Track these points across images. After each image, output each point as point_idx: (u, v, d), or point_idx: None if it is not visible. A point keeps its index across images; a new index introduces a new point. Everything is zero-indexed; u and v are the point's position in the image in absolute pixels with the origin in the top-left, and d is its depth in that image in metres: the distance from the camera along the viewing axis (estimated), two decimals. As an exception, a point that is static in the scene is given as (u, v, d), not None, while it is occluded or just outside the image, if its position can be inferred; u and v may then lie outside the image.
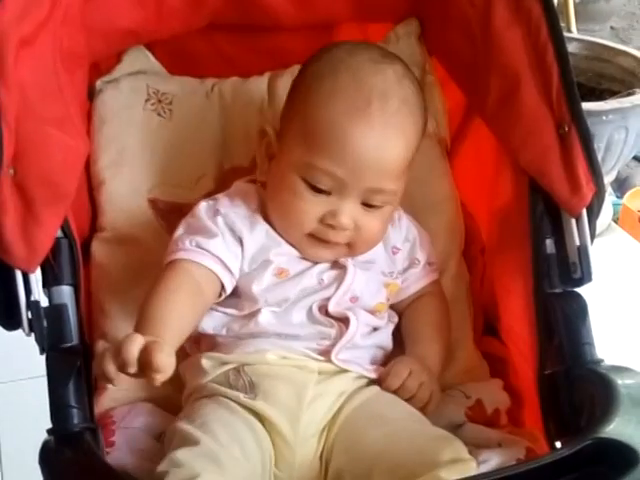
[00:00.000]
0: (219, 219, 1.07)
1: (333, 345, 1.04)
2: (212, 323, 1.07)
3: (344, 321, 1.06)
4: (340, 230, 1.05)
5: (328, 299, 1.07)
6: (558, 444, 0.99)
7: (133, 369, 0.85)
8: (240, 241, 1.07)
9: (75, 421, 0.89)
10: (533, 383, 1.04)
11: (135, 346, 0.85)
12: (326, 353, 1.04)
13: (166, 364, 0.85)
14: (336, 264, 1.10)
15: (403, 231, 1.17)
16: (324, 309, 1.07)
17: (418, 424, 1.00)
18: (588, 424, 0.88)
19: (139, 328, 0.94)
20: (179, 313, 1.00)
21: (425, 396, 1.05)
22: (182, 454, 0.88)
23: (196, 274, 1.03)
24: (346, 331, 1.05)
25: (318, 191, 1.04)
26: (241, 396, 0.99)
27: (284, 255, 1.08)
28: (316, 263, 1.09)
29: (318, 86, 1.06)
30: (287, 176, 1.06)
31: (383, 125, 1.03)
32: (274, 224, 1.09)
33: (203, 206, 1.09)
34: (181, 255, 1.04)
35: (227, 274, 1.05)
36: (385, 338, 1.12)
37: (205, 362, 1.03)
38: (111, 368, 0.86)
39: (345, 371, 1.04)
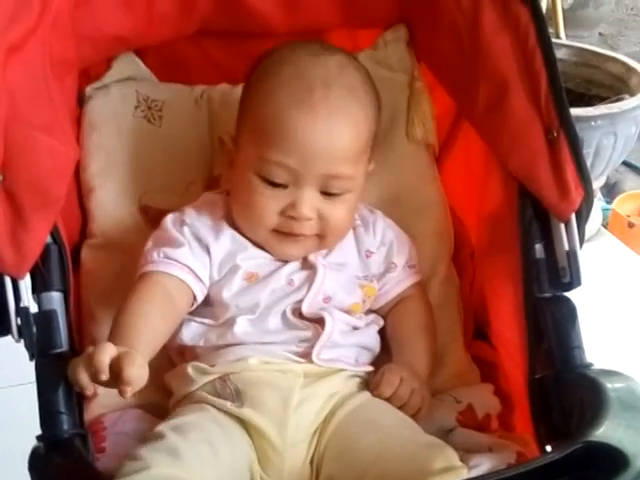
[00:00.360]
0: (185, 229, 1.09)
1: (312, 346, 1.04)
2: (189, 334, 1.07)
3: (319, 322, 1.06)
4: (303, 221, 1.06)
5: (301, 301, 1.07)
6: (549, 448, 0.99)
7: (105, 376, 0.86)
8: (207, 249, 1.08)
9: (65, 427, 0.89)
10: (523, 387, 1.04)
11: (106, 355, 0.87)
12: (307, 355, 1.04)
13: (137, 377, 0.87)
14: (306, 265, 1.10)
15: (378, 235, 1.17)
16: (298, 312, 1.07)
17: (410, 431, 1.00)
18: (578, 428, 0.88)
19: (112, 340, 0.95)
20: (151, 324, 1.01)
21: (417, 403, 1.05)
22: (143, 448, 0.89)
23: (167, 285, 1.05)
24: (322, 331, 1.05)
25: (275, 185, 1.05)
26: (228, 404, 0.99)
27: (252, 259, 1.09)
28: (286, 263, 1.10)
29: (262, 84, 1.08)
30: (244, 176, 1.07)
31: (327, 112, 1.04)
32: (241, 228, 1.10)
33: (170, 218, 1.11)
34: (150, 267, 1.06)
35: (197, 283, 1.07)
36: (368, 339, 1.12)
37: (191, 371, 1.04)
38: (83, 377, 0.87)
39: (333, 372, 1.04)
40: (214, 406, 1.00)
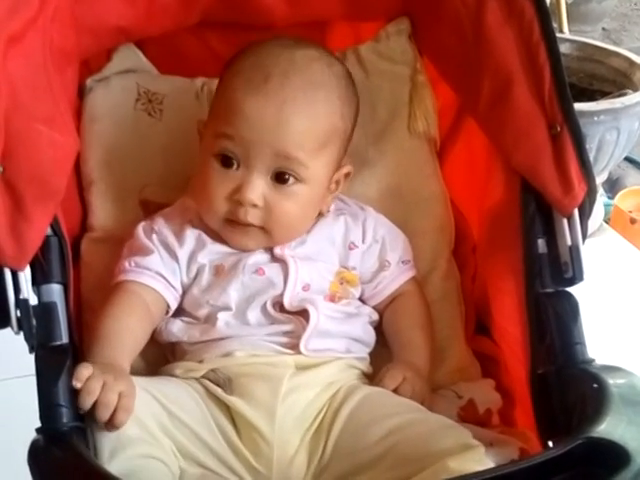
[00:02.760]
0: (154, 236, 1.11)
1: (299, 337, 1.04)
2: (173, 330, 1.08)
3: (303, 314, 1.06)
4: (248, 207, 1.06)
5: (281, 296, 1.07)
6: (550, 444, 0.99)
7: (106, 417, 0.90)
8: (175, 255, 1.10)
9: (64, 420, 0.88)
10: (525, 383, 1.04)
11: (115, 396, 0.91)
12: (295, 346, 1.04)
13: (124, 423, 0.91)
14: (275, 258, 1.10)
15: (369, 232, 1.16)
16: (279, 305, 1.07)
17: (420, 413, 1.00)
18: (579, 424, 0.87)
19: (96, 350, 0.99)
20: (134, 337, 1.05)
21: (418, 402, 1.04)
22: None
23: (142, 294, 1.07)
24: (307, 324, 1.04)
25: (226, 165, 1.06)
26: (219, 391, 1.00)
27: (213, 254, 1.10)
28: (250, 252, 1.10)
29: (226, 74, 1.11)
30: (203, 166, 1.09)
31: (281, 100, 1.04)
32: (203, 218, 1.11)
33: (141, 226, 1.12)
34: (123, 277, 1.08)
35: (169, 290, 1.09)
36: (358, 330, 1.11)
37: (180, 372, 1.04)
38: (87, 399, 0.90)
39: (326, 362, 1.04)
40: (206, 388, 1.01)
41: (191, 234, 1.11)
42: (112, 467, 0.87)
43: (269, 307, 1.06)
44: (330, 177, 1.12)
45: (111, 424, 0.90)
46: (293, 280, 1.08)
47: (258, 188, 1.05)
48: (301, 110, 1.05)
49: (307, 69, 1.08)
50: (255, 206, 1.06)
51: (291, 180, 1.06)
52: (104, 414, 0.90)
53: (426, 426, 0.96)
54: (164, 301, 1.08)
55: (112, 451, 0.90)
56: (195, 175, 1.11)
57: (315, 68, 1.09)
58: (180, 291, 1.10)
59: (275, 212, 1.06)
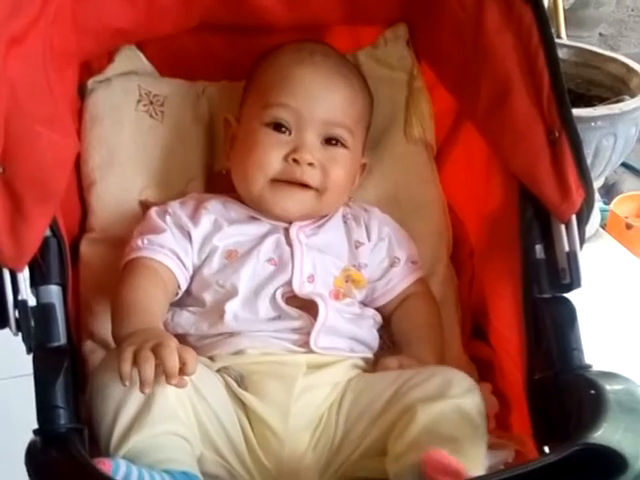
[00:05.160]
0: (167, 217, 1.13)
1: (308, 333, 1.05)
2: (180, 321, 1.08)
3: (311, 310, 1.06)
4: (305, 166, 1.10)
5: (289, 283, 1.08)
6: (546, 449, 0.99)
7: (175, 381, 0.89)
8: (188, 235, 1.11)
9: (62, 421, 0.88)
10: (521, 388, 1.04)
11: (175, 356, 0.89)
12: (305, 343, 1.05)
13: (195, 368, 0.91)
14: (285, 242, 1.11)
15: (373, 230, 1.19)
16: (287, 296, 1.07)
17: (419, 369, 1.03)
18: (576, 430, 0.87)
19: (127, 319, 0.99)
20: (159, 306, 1.05)
21: None
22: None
23: (157, 268, 1.08)
24: (315, 320, 1.05)
25: (278, 130, 1.11)
26: (234, 384, 1.01)
27: (229, 237, 1.11)
28: (265, 238, 1.11)
29: (264, 61, 1.19)
30: (251, 134, 1.13)
31: (327, 70, 1.15)
32: (238, 187, 1.15)
33: (154, 209, 1.15)
34: (136, 254, 1.09)
35: (181, 269, 1.09)
36: (362, 331, 1.12)
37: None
38: (148, 371, 0.88)
39: (334, 361, 1.05)
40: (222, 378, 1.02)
41: (207, 218, 1.13)
42: (135, 441, 0.88)
43: (278, 298, 1.07)
44: (360, 157, 1.18)
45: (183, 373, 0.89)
46: (299, 264, 1.09)
47: (313, 148, 1.10)
48: (345, 79, 1.16)
49: (340, 56, 1.20)
50: (311, 165, 1.10)
51: (339, 145, 1.14)
52: (173, 371, 0.88)
53: (426, 377, 0.99)
54: (176, 280, 1.09)
55: (139, 425, 0.89)
56: (236, 149, 1.16)
57: (346, 65, 1.20)
58: (190, 271, 1.11)
59: (330, 174, 1.12)
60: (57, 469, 0.85)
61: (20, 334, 0.91)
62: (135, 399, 0.90)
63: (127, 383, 0.88)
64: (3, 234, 0.87)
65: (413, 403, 0.95)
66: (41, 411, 0.88)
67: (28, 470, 0.83)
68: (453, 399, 0.95)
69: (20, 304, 0.90)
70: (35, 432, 0.88)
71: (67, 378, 0.90)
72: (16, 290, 0.89)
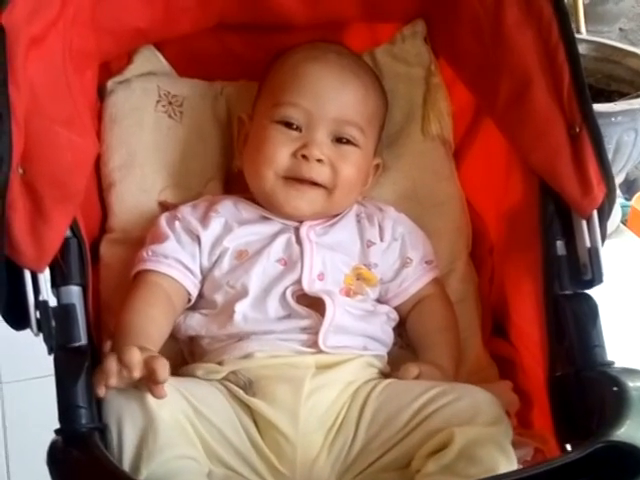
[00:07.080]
0: (176, 223, 1.13)
1: (316, 333, 1.04)
2: (192, 323, 1.09)
3: (319, 307, 1.06)
4: (313, 163, 1.10)
5: (299, 281, 1.08)
6: (568, 446, 0.98)
7: (138, 374, 0.89)
8: (197, 238, 1.11)
9: (83, 421, 0.88)
10: (543, 385, 1.03)
11: (136, 356, 0.90)
12: (314, 343, 1.04)
13: (166, 376, 0.90)
14: (296, 241, 1.11)
15: (387, 230, 1.18)
16: (297, 294, 1.07)
17: (445, 386, 1.00)
18: (599, 427, 0.87)
19: (122, 341, 0.99)
20: (156, 325, 1.05)
21: None
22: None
23: (162, 283, 1.08)
24: (323, 318, 1.05)
25: (289, 127, 1.11)
26: (240, 392, 1.00)
27: (239, 238, 1.11)
28: (275, 238, 1.11)
29: (278, 61, 1.19)
30: (261, 131, 1.13)
31: (340, 68, 1.15)
32: (250, 182, 1.16)
33: (164, 215, 1.15)
34: (141, 266, 1.10)
35: (188, 277, 1.10)
36: (375, 329, 1.11)
37: (201, 373, 1.04)
38: (113, 366, 0.90)
39: (345, 360, 1.05)
40: (228, 389, 1.01)
41: (217, 221, 1.13)
42: (150, 470, 0.88)
43: (288, 296, 1.07)
44: (372, 157, 1.18)
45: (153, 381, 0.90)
46: (309, 261, 1.09)
47: (323, 145, 1.11)
48: (357, 78, 1.16)
49: (354, 55, 1.21)
50: (320, 161, 1.10)
51: (350, 143, 1.14)
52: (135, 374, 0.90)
53: (454, 398, 0.97)
54: (184, 289, 1.10)
55: (148, 454, 0.89)
56: (248, 146, 1.17)
57: (361, 64, 1.21)
58: (199, 277, 1.11)
59: (339, 172, 1.12)
60: (79, 469, 0.85)
61: (41, 335, 0.91)
62: (131, 428, 0.90)
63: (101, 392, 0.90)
64: (24, 235, 0.87)
65: (446, 425, 0.94)
66: (62, 411, 0.89)
67: (50, 469, 0.84)
68: (487, 427, 0.93)
69: (41, 305, 0.90)
70: (57, 432, 0.88)
71: (88, 378, 0.90)
72: (37, 291, 0.90)
